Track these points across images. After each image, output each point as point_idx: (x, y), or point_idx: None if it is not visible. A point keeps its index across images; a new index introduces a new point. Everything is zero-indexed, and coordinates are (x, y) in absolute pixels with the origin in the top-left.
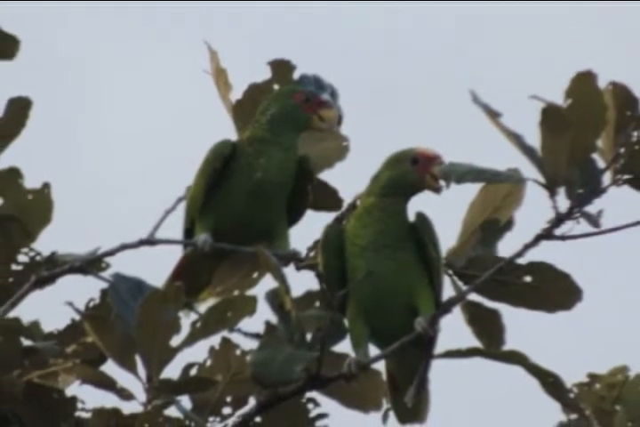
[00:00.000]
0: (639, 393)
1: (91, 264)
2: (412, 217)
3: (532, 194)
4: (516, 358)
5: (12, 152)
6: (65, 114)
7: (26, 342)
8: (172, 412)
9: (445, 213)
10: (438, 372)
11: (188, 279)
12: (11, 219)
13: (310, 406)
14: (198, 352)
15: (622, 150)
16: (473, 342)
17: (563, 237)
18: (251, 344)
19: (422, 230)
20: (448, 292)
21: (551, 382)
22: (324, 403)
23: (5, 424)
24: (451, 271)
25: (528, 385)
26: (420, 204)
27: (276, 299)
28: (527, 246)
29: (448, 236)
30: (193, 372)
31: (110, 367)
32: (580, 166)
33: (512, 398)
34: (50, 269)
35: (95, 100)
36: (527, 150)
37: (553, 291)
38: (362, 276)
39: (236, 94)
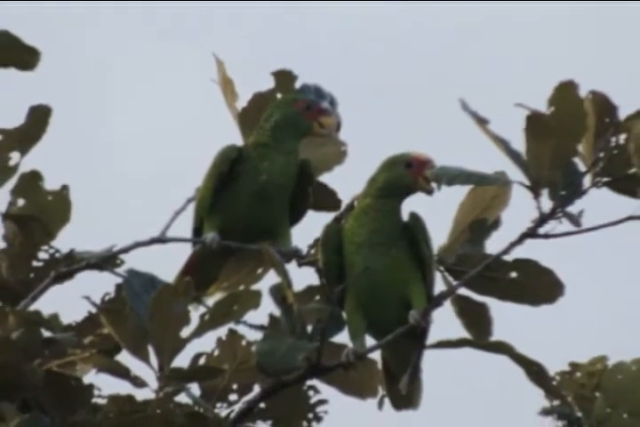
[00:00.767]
0: (617, 381)
1: (106, 261)
2: (405, 217)
3: (517, 195)
4: (502, 348)
5: (33, 156)
6: (83, 120)
7: (46, 334)
8: (182, 398)
9: (437, 213)
10: (430, 361)
11: (196, 275)
12: (32, 218)
13: (311, 393)
14: (206, 343)
15: (601, 155)
16: (462, 333)
17: (546, 236)
18: (255, 335)
19: (415, 229)
20: (439, 286)
21: (535, 371)
22: (323, 390)
23: (27, 410)
24: (442, 267)
25: (514, 373)
26: (413, 204)
27: (279, 293)
28: (513, 244)
29: (439, 234)
30: (202, 361)
31: (124, 357)
32: (562, 170)
33: (499, 386)
34: (68, 266)
35: (110, 107)
36: (513, 155)
37: (537, 286)
38: (359, 271)
39: (242, 102)
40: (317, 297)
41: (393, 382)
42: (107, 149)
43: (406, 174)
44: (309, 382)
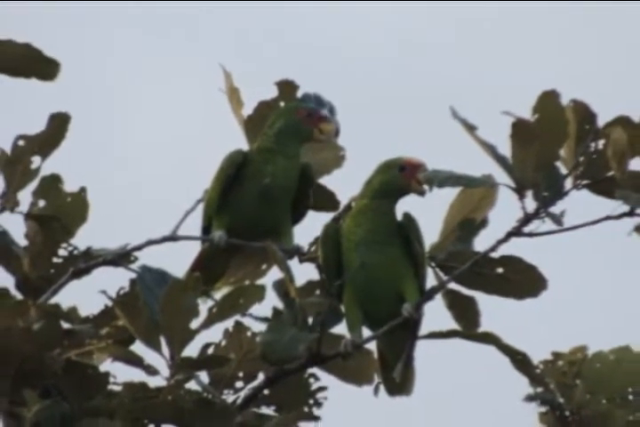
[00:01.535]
0: (596, 369)
1: (121, 258)
2: (399, 217)
3: (503, 197)
4: (489, 338)
5: (53, 160)
6: (99, 127)
7: (65, 325)
8: (191, 385)
9: (429, 213)
10: (422, 351)
11: (205, 271)
12: (52, 218)
13: (311, 380)
14: (214, 334)
15: (582, 159)
16: (452, 324)
17: (530, 234)
18: (260, 327)
19: (409, 228)
20: (431, 281)
21: (520, 360)
22: (323, 378)
23: (48, 396)
24: (433, 264)
25: (500, 362)
26: (406, 205)
27: (282, 287)
28: (499, 242)
29: (431, 233)
30: (210, 351)
31: (138, 347)
32: (545, 173)
33: (486, 374)
34: (86, 262)
35: (126, 114)
36: (499, 159)
37: (522, 281)
38: (356, 268)
39: (247, 110)
40: (317, 291)
41: (387, 371)
42: (122, 154)
43: (400, 177)
44: (310, 371)
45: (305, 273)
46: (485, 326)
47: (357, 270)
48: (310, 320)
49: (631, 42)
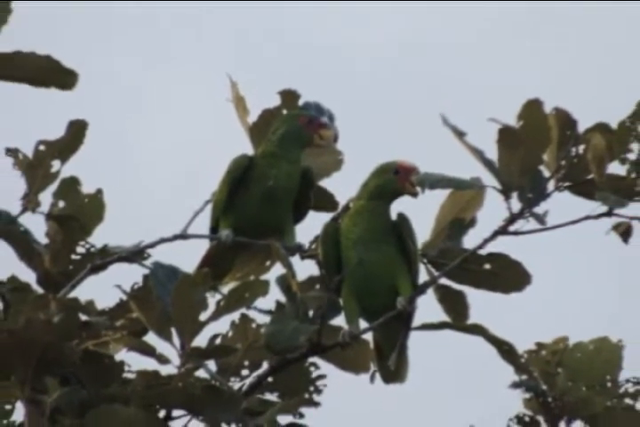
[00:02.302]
0: (577, 358)
1: (135, 254)
2: (394, 217)
3: (490, 198)
4: (477, 330)
5: (72, 164)
6: (115, 132)
7: (83, 317)
8: (200, 373)
9: (421, 213)
10: (415, 341)
11: (213, 267)
12: (71, 218)
13: (312, 368)
14: (222, 325)
15: (563, 163)
16: (443, 317)
17: (515, 233)
18: (264, 319)
19: (402, 227)
20: (423, 277)
21: (506, 350)
22: (323, 366)
23: (67, 383)
24: (425, 260)
25: (487, 352)
26: (401, 206)
27: (285, 282)
28: (487, 240)
29: (423, 231)
30: (218, 341)
31: (151, 338)
32: (530, 176)
33: (475, 363)
34: (102, 259)
35: (140, 121)
36: (487, 163)
37: (507, 276)
38: (354, 264)
39: (252, 118)
40: (318, 286)
41: (383, 360)
42: (136, 159)
43: (394, 180)
44: (311, 360)
45: (306, 269)
46: (474, 318)
47: (355, 267)
48: (311, 313)
49: (614, 50)
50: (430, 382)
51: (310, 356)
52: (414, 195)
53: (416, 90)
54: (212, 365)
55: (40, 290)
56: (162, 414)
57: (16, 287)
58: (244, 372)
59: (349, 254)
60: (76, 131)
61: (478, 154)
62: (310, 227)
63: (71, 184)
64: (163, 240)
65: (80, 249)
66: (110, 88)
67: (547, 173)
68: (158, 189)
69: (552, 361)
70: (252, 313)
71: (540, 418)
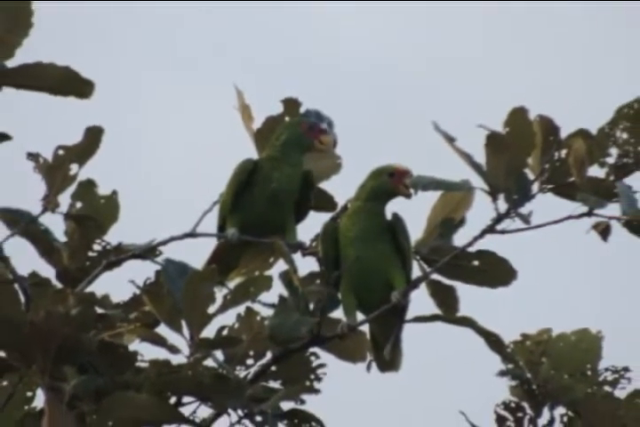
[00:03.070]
0: (559, 348)
1: (148, 252)
2: (389, 216)
3: (479, 199)
4: (467, 322)
5: (89, 167)
6: (129, 137)
7: (99, 310)
8: (209, 362)
9: (414, 213)
10: (409, 332)
11: (220, 263)
12: (88, 218)
13: (312, 358)
14: (228, 318)
15: (547, 166)
16: (434, 310)
17: (502, 232)
18: (268, 312)
19: (397, 226)
20: (416, 272)
21: (494, 340)
22: (323, 356)
23: (84, 372)
24: (418, 257)
25: (476, 342)
26: (395, 206)
27: (287, 278)
28: (475, 238)
29: (416, 230)
30: (224, 332)
31: (162, 329)
32: (515, 178)
33: (465, 353)
34: (117, 256)
35: (153, 127)
36: (475, 166)
37: (495, 272)
38: (351, 261)
39: (257, 124)
40: (318, 281)
41: (378, 350)
42: (149, 162)
43: (389, 182)
44: (311, 350)
45: (307, 265)
46: (463, 311)
47: (353, 263)
48: (311, 306)
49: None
50: (423, 370)
51: (311, 346)
52: (408, 196)
53: (409, 99)
54: (219, 354)
55: (59, 285)
56: (172, 400)
57: (37, 282)
58: (250, 361)
59: (347, 252)
60: (93, 136)
61: (467, 158)
62: (311, 226)
63: (88, 186)
64: (173, 238)
65: (96, 247)
66: (125, 96)
67: (531, 176)
68: (169, 191)
69: (536, 351)
70: (256, 306)
71: (525, 404)
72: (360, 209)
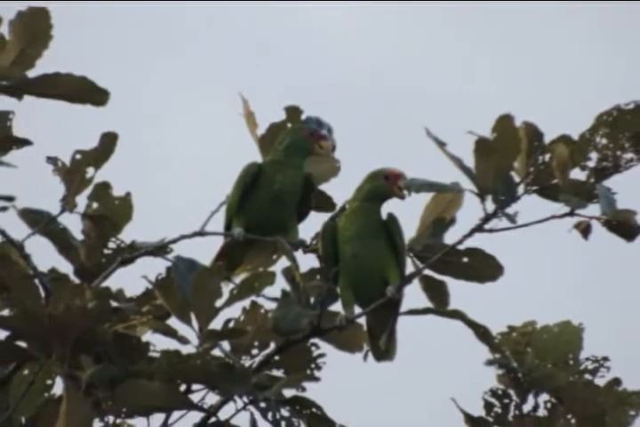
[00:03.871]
0: (543, 339)
1: (159, 249)
2: (384, 216)
3: (468, 200)
4: (457, 315)
5: (105, 171)
6: (142, 143)
7: (114, 304)
8: (216, 352)
9: (408, 213)
10: (403, 324)
11: (227, 260)
12: (103, 217)
13: (313, 348)
14: (235, 311)
15: (531, 169)
16: (427, 303)
17: (490, 231)
18: (271, 305)
19: (392, 225)
20: (409, 268)
21: (482, 332)
22: (322, 346)
23: (99, 361)
24: (411, 254)
25: (466, 334)
26: (390, 207)
27: (289, 274)
28: (465, 237)
29: (410, 229)
30: (231, 324)
31: (173, 321)
32: (502, 180)
33: (455, 343)
34: (131, 253)
35: (165, 133)
36: (465, 169)
37: (483, 268)
38: (349, 257)
39: (261, 130)
40: (318, 277)
41: (374, 341)
42: (161, 166)
43: (384, 184)
44: (312, 341)
45: (308, 262)
46: (454, 304)
47: (350, 260)
48: (312, 300)
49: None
50: (416, 360)
51: (311, 337)
52: (402, 197)
53: (403, 106)
54: (226, 345)
55: (77, 280)
56: (182, 387)
57: (56, 278)
58: (254, 351)
59: (345, 249)
60: (108, 141)
61: (457, 161)
62: (311, 225)
63: (104, 188)
64: (183, 237)
65: (111, 245)
66: (139, 104)
67: (517, 179)
68: (179, 193)
69: (522, 342)
70: (260, 300)
71: (512, 391)
72: (357, 209)
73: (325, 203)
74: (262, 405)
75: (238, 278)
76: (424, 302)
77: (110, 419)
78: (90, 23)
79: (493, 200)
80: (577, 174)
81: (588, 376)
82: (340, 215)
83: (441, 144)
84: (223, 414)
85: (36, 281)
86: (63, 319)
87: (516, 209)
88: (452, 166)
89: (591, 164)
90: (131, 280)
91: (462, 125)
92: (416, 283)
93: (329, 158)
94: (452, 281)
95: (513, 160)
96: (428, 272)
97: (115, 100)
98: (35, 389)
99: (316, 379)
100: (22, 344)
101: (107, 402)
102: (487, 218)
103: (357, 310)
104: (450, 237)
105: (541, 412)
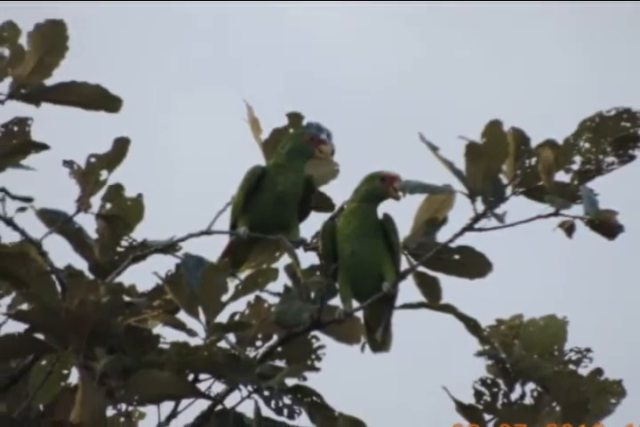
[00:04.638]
0: (530, 332)
1: (169, 247)
2: (380, 216)
3: (459, 201)
4: (449, 309)
5: (118, 173)
6: (153, 147)
7: (126, 299)
8: (222, 344)
9: (403, 213)
10: (398, 317)
11: (232, 257)
12: (116, 217)
13: (313, 340)
14: (240, 305)
15: (519, 172)
16: (420, 298)
17: (479, 230)
18: (274, 300)
19: (387, 225)
20: (404, 265)
21: (472, 325)
22: (322, 338)
23: (113, 352)
24: (406, 252)
25: (457, 327)
26: (386, 207)
27: (291, 270)
28: (456, 235)
29: (404, 228)
30: (236, 318)
31: (182, 315)
32: (491, 182)
33: (447, 336)
34: (142, 251)
35: (176, 138)
36: (456, 172)
37: (473, 265)
38: (347, 255)
39: (265, 135)
40: (318, 273)
41: (371, 333)
42: (171, 168)
43: (381, 186)
44: (312, 333)
45: (308, 259)
46: (446, 299)
47: (348, 257)
48: (312, 295)
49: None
50: (410, 351)
51: (312, 330)
52: (397, 198)
53: (398, 112)
54: (231, 337)
55: (91, 276)
56: (191, 377)
57: (71, 274)
58: (258, 343)
59: (344, 247)
60: (121, 146)
61: (449, 165)
62: (312, 224)
63: (117, 189)
64: (191, 235)
65: (124, 243)
66: (152, 110)
67: (505, 181)
68: (188, 194)
69: (509, 334)
70: (264, 295)
71: (500, 381)
72: (355, 210)
73: (325, 203)
74: (266, 393)
75: (243, 275)
76: (418, 296)
77: (123, 406)
78: (102, 30)
79: (483, 201)
80: (561, 177)
81: (571, 366)
82: (338, 215)
83: (433, 148)
84: (229, 402)
85: (53, 277)
86: (78, 313)
87: (504, 209)
88: (444, 169)
89: (575, 167)
90: (142, 276)
91: (455, 129)
92: (410, 279)
93: (328, 162)
94: (444, 277)
95: (501, 163)
96: (421, 269)
97: (126, 106)
98: (52, 378)
99: (317, 369)
100: (40, 337)
101: (119, 391)
102: (477, 218)
103: (355, 304)
104: (442, 235)
105: (528, 400)
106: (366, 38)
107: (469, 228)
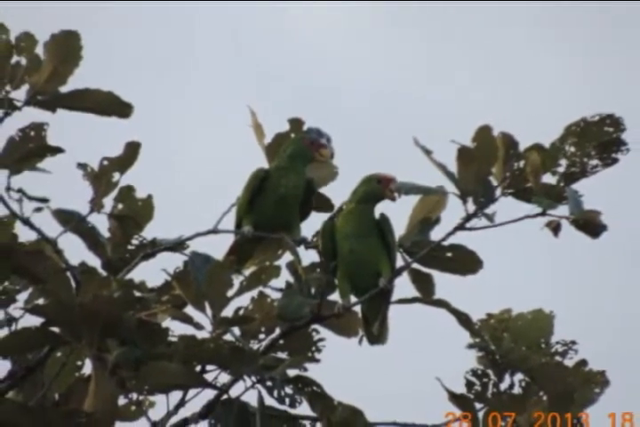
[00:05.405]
0: (518, 326)
1: (177, 245)
2: (377, 216)
3: (451, 201)
4: (441, 303)
5: (129, 175)
6: (163, 150)
7: (137, 294)
8: (228, 337)
9: (398, 213)
10: (394, 312)
11: (237, 255)
12: (127, 217)
13: (314, 333)
14: (244, 300)
15: (508, 174)
16: (415, 293)
17: (470, 229)
18: (277, 295)
19: (384, 224)
20: (399, 262)
21: (464, 319)
22: (322, 331)
23: (125, 344)
24: (401, 249)
25: (449, 321)
26: (383, 208)
27: (293, 267)
28: (448, 234)
29: (400, 227)
30: (241, 312)
31: (189, 310)
32: (481, 184)
33: (440, 329)
34: (152, 249)
35: (184, 142)
36: (448, 174)
37: (464, 262)
38: (346, 253)
39: (268, 139)
40: (318, 270)
41: (369, 326)
42: (179, 171)
43: (377, 188)
44: (313, 326)
45: (309, 257)
46: (439, 294)
47: (347, 255)
48: (313, 290)
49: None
50: (405, 343)
51: (312, 323)
52: (393, 199)
53: (393, 118)
54: (236, 330)
55: (104, 273)
56: (198, 368)
57: (85, 270)
58: (261, 336)
59: (343, 245)
60: (132, 149)
61: (442, 167)
62: (312, 224)
63: (128, 191)
64: (198, 234)
65: (134, 241)
66: (160, 116)
67: (495, 183)
68: (195, 195)
69: (499, 328)
70: (267, 291)
71: (490, 371)
72: (353, 210)
73: (325, 204)
74: (268, 383)
75: (247, 271)
76: (412, 292)
77: (134, 396)
78: (110, 37)
79: (474, 202)
80: (548, 179)
81: (558, 358)
82: (337, 215)
83: (427, 152)
84: (234, 392)
85: (68, 274)
86: (92, 308)
87: (493, 210)
88: (437, 172)
89: (561, 169)
90: (152, 273)
91: (450, 133)
92: (405, 275)
93: (328, 165)
94: (438, 274)
95: (491, 166)
96: (415, 266)
97: (137, 111)
98: (67, 369)
99: (317, 360)
100: (55, 330)
101: (130, 381)
102: (468, 218)
103: (353, 299)
104: (435, 234)
105: (517, 390)
106: (366, 38)
107: (461, 227)
